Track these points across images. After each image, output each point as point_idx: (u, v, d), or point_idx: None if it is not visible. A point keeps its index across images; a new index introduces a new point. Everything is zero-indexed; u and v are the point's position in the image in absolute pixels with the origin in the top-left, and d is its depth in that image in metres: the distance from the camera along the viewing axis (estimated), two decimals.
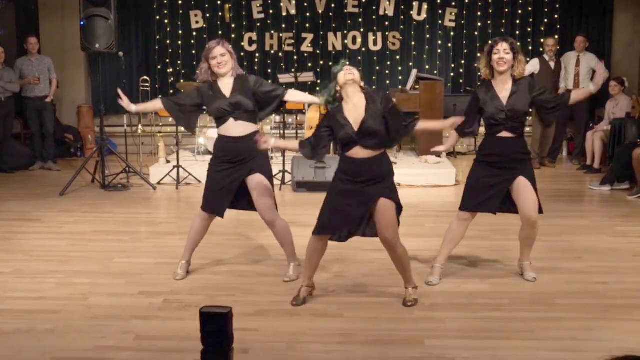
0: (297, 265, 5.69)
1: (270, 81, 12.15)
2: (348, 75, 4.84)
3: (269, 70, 12.68)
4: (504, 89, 5.39)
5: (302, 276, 5.32)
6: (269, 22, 12.65)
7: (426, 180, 9.66)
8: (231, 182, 5.50)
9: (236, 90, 5.50)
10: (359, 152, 4.81)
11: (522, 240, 5.68)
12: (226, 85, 5.54)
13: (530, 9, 12.49)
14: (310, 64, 12.52)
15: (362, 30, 12.64)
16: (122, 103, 6.02)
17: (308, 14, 12.62)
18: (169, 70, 12.79)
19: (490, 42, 5.54)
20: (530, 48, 12.50)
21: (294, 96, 5.83)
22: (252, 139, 5.34)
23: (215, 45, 5.50)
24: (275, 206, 5.62)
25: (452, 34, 12.55)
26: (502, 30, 12.47)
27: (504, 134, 5.38)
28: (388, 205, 4.84)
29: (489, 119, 5.40)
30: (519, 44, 5.50)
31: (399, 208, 4.95)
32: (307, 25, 12.65)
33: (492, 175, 5.44)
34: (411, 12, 12.57)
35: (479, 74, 5.64)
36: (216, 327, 2.70)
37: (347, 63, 5.05)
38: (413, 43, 12.65)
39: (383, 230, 4.89)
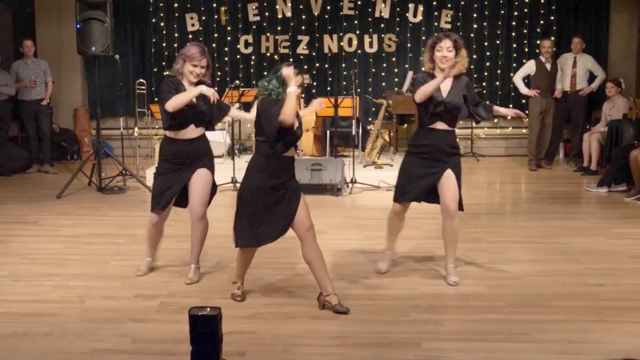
0: (197, 267, 5.78)
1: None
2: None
3: (265, 73, 12.65)
4: (444, 83, 5.47)
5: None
6: (264, 24, 12.66)
7: None
8: (177, 181, 5.64)
9: (201, 99, 5.51)
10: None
11: (444, 237, 5.71)
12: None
13: (526, 10, 12.51)
14: (306, 66, 12.51)
15: (357, 32, 12.65)
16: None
17: (304, 16, 12.63)
18: (165, 73, 12.72)
19: (434, 37, 5.62)
20: (526, 49, 12.52)
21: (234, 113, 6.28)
22: (203, 140, 5.63)
23: (200, 54, 5.50)
24: (208, 205, 5.77)
25: None
26: (498, 32, 12.52)
27: (440, 126, 5.52)
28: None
29: (427, 110, 5.49)
30: (515, 45, 5.59)
31: None
32: (303, 27, 12.66)
33: (423, 167, 5.58)
34: (407, 14, 12.58)
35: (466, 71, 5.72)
36: (205, 328, 2.68)
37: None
38: (409, 45, 12.66)
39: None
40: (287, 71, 4.85)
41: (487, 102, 5.82)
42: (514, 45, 12.57)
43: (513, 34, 12.56)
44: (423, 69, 5.77)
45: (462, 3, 12.52)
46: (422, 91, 5.34)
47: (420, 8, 12.53)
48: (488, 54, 12.65)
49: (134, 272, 5.89)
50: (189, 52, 5.52)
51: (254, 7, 12.58)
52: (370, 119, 12.32)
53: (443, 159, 5.54)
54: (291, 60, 5.34)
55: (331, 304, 5.00)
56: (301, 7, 12.60)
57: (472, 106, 5.64)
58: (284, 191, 5.00)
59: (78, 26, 9.18)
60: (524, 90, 11.13)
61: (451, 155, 5.58)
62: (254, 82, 12.50)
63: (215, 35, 12.66)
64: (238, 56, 12.74)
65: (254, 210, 5.01)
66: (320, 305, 5.05)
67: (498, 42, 12.61)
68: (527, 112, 11.77)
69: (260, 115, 4.94)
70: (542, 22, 12.51)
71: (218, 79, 12.64)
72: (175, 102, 5.36)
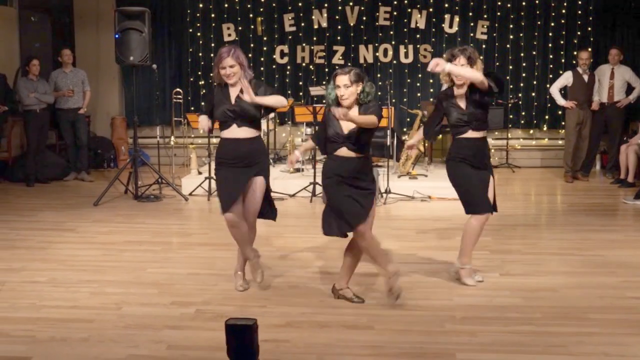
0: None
1: (300, 93, 12.29)
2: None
3: (300, 83, 12.75)
4: (462, 95, 5.74)
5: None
6: (300, 34, 12.73)
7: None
8: (238, 181, 5.52)
9: (241, 97, 5.48)
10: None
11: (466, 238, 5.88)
12: (234, 91, 5.54)
13: (563, 21, 12.42)
14: None
15: (393, 42, 12.67)
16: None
17: (339, 27, 12.68)
18: (201, 83, 12.90)
19: (448, 52, 5.88)
20: (562, 61, 12.43)
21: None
22: (255, 142, 5.56)
23: (225, 55, 5.45)
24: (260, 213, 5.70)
25: (483, 46, 12.51)
26: (535, 43, 12.45)
27: (470, 134, 5.73)
28: None
29: (455, 123, 5.76)
30: (551, 56, 5.61)
31: None
32: (339, 37, 12.71)
33: (476, 174, 5.75)
34: (442, 25, 12.57)
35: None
36: (241, 339, 2.69)
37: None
38: (444, 55, 12.54)
39: None
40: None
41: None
42: (551, 56, 12.49)
43: (550, 44, 12.48)
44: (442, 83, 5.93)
45: (499, 14, 12.48)
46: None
47: (457, 19, 12.51)
48: (524, 64, 12.58)
49: (169, 280, 5.94)
50: (217, 57, 5.52)
51: (290, 18, 12.66)
52: (405, 129, 12.32)
53: (486, 163, 5.81)
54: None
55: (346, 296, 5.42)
56: (337, 17, 12.65)
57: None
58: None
59: (117, 36, 9.31)
60: (560, 101, 11.05)
61: (489, 159, 5.88)
62: (289, 91, 12.59)
63: (252, 45, 12.75)
64: (274, 66, 12.82)
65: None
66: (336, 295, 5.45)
67: (534, 52, 12.54)
68: (563, 123, 11.71)
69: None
70: (579, 33, 12.42)
71: None
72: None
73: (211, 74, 12.66)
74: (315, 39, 12.72)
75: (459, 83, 5.74)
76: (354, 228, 5.14)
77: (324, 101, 11.03)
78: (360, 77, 5.18)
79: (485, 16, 12.51)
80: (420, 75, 12.72)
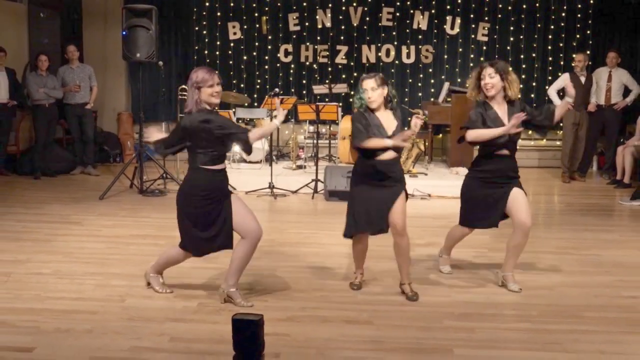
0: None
1: (303, 91, 12.32)
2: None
3: (304, 81, 12.84)
4: (501, 111, 5.59)
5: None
6: (304, 34, 12.82)
7: (457, 191, 9.57)
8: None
9: None
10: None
11: (512, 249, 5.82)
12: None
13: (562, 24, 12.53)
14: (344, 76, 12.67)
15: (395, 43, 12.75)
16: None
17: (343, 27, 12.77)
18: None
19: (478, 67, 5.75)
20: (561, 63, 12.54)
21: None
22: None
23: (210, 73, 5.08)
24: None
25: (484, 48, 12.60)
26: (534, 45, 12.56)
27: (503, 152, 5.61)
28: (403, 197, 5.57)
29: (491, 141, 5.54)
30: (550, 58, 5.60)
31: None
32: (342, 37, 12.80)
33: (487, 191, 5.70)
34: (444, 26, 12.66)
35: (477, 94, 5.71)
36: (248, 333, 2.78)
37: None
38: (446, 56, 12.73)
39: (396, 218, 5.39)
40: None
41: (548, 108, 5.87)
42: (550, 58, 12.58)
43: (549, 47, 12.58)
44: (477, 99, 5.75)
45: (499, 16, 12.57)
46: (477, 136, 5.55)
47: (458, 20, 12.61)
48: (524, 66, 12.67)
49: (173, 273, 5.98)
50: (199, 78, 5.05)
51: (294, 17, 12.75)
52: (406, 129, 12.37)
53: (506, 182, 5.66)
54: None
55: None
56: (340, 17, 12.74)
57: (536, 120, 5.71)
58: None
59: (124, 33, 9.40)
60: (557, 103, 11.11)
61: (513, 178, 5.69)
62: (292, 90, 12.68)
63: (256, 44, 12.85)
64: (278, 65, 12.92)
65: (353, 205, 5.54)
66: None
67: (534, 55, 12.63)
68: (561, 124, 11.78)
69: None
70: (578, 35, 12.51)
71: (258, 86, 12.82)
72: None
73: (216, 72, 12.86)
74: (319, 38, 12.81)
75: (490, 94, 5.58)
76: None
77: (327, 99, 11.16)
78: (384, 81, 5.43)
79: (486, 18, 12.60)
80: (421, 76, 12.81)
